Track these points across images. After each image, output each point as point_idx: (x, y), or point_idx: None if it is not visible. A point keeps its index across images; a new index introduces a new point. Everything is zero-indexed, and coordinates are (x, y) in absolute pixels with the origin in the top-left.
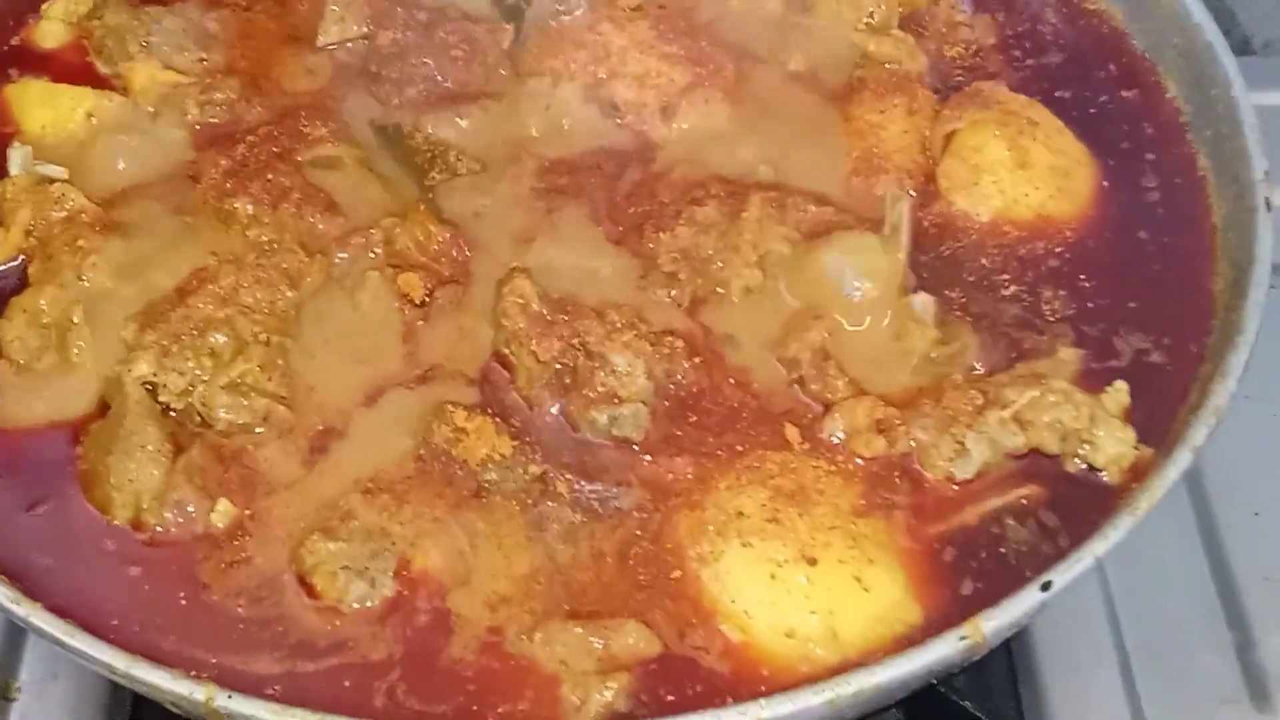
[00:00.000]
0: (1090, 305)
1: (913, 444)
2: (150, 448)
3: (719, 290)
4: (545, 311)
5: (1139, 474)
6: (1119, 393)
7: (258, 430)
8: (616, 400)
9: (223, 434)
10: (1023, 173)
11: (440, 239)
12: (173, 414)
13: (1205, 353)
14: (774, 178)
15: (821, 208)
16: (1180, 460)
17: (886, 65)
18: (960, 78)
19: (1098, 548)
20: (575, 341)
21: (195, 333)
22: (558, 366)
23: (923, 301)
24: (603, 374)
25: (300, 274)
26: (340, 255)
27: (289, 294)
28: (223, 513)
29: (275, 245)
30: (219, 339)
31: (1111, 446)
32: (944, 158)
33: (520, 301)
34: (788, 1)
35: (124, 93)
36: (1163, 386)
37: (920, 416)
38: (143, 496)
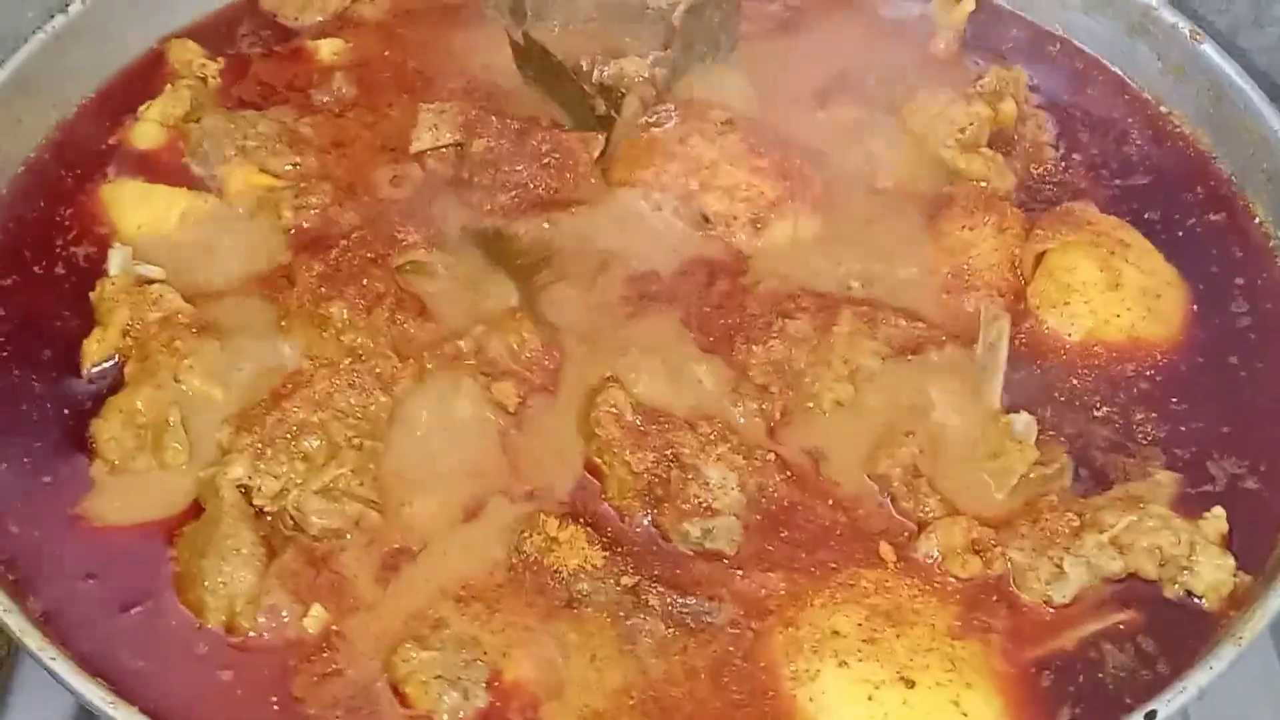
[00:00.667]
0: (1182, 429)
1: (1009, 565)
2: (244, 551)
3: (809, 404)
4: (638, 422)
5: (1237, 602)
6: (1217, 519)
7: (349, 536)
8: (709, 512)
9: (315, 538)
10: (1114, 294)
11: (534, 346)
12: (267, 517)
13: None
14: (864, 293)
15: (912, 323)
16: None
17: (976, 183)
18: (1048, 195)
19: (1201, 678)
20: (669, 453)
21: (289, 436)
22: (650, 478)
23: (1025, 422)
24: (695, 486)
25: (393, 379)
26: (432, 361)
27: (382, 399)
28: (316, 618)
29: (369, 349)
30: (313, 443)
31: (1211, 573)
32: (1035, 277)
33: (614, 411)
34: (877, 119)
35: (219, 195)
36: (1259, 513)
37: (1016, 538)
38: (236, 600)
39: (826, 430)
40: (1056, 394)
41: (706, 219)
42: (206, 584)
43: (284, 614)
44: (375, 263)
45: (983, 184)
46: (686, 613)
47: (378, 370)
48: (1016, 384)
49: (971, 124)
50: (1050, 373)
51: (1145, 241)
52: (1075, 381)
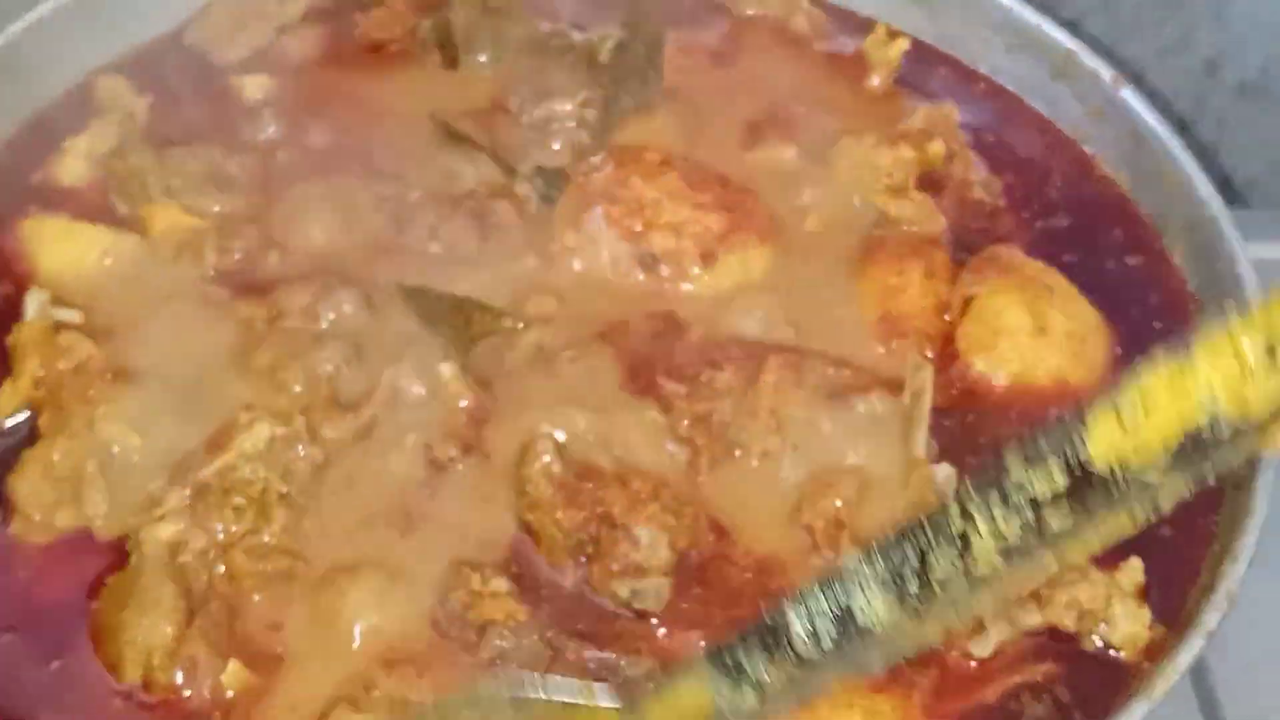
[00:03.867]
0: None
1: None
2: (165, 604)
3: (738, 454)
4: (570, 478)
5: (1153, 653)
6: (1134, 570)
7: (276, 592)
8: (639, 572)
9: (240, 594)
10: (1041, 339)
11: (466, 400)
12: (192, 571)
13: (1215, 530)
14: (794, 339)
15: (840, 370)
16: (1193, 644)
17: (905, 227)
18: (975, 236)
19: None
20: (599, 511)
21: (224, 491)
22: (581, 536)
23: (946, 474)
24: (626, 545)
25: (327, 433)
26: (368, 413)
27: (315, 453)
28: (234, 674)
29: (301, 401)
30: (245, 498)
31: (1127, 625)
32: (963, 321)
33: (544, 468)
34: (805, 161)
35: (143, 234)
36: (1174, 563)
37: None
38: (154, 653)
39: (754, 482)
40: (982, 439)
41: (655, 258)
42: (125, 637)
43: (201, 668)
44: (306, 312)
45: (912, 229)
46: (603, 666)
47: (311, 423)
48: (945, 430)
49: (899, 170)
50: (978, 418)
51: (1070, 286)
52: (1002, 426)
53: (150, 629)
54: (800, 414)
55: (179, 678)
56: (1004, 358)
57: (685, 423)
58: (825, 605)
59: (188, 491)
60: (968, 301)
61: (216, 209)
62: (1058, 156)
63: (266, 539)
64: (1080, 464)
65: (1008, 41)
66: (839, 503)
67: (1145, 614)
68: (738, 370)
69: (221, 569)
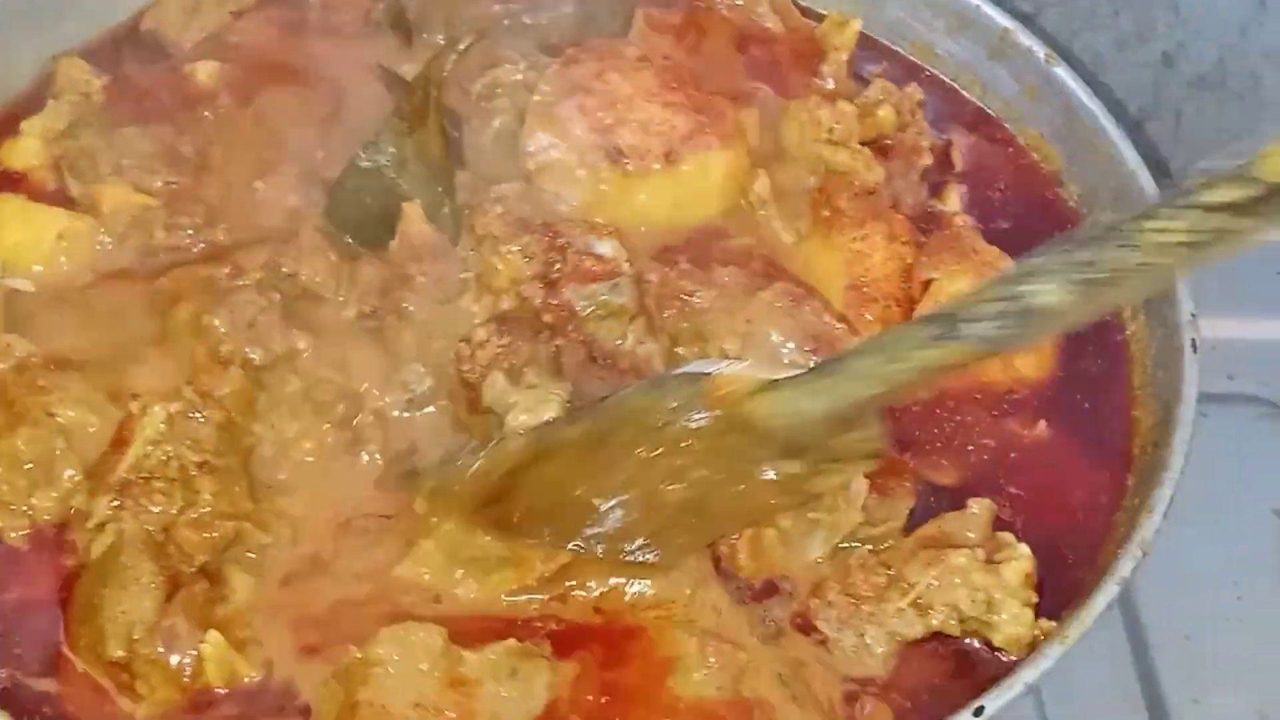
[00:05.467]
0: (1013, 458)
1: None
2: (144, 580)
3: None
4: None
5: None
6: (1021, 561)
7: (238, 556)
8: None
9: (207, 565)
10: None
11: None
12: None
13: (1132, 489)
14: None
15: (834, 326)
16: (1108, 591)
17: (846, 175)
18: (927, 214)
19: (1027, 675)
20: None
21: (142, 483)
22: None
23: (857, 486)
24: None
25: (221, 390)
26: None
27: (215, 414)
28: (213, 644)
29: (210, 368)
30: (163, 482)
31: (1010, 628)
32: (923, 300)
33: (495, 217)
34: (762, 127)
35: (94, 214)
36: (1094, 518)
37: (824, 606)
38: (135, 628)
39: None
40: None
41: (620, 152)
42: (106, 614)
43: (181, 639)
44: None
45: (853, 176)
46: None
47: (200, 386)
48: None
49: (839, 123)
50: (933, 398)
51: None
52: (951, 403)
53: (131, 605)
54: (774, 340)
55: (160, 649)
56: None
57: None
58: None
59: (112, 495)
60: (926, 283)
61: (165, 186)
62: (996, 137)
63: (204, 510)
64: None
65: (948, 24)
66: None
67: (1028, 614)
68: (741, 274)
69: (177, 547)
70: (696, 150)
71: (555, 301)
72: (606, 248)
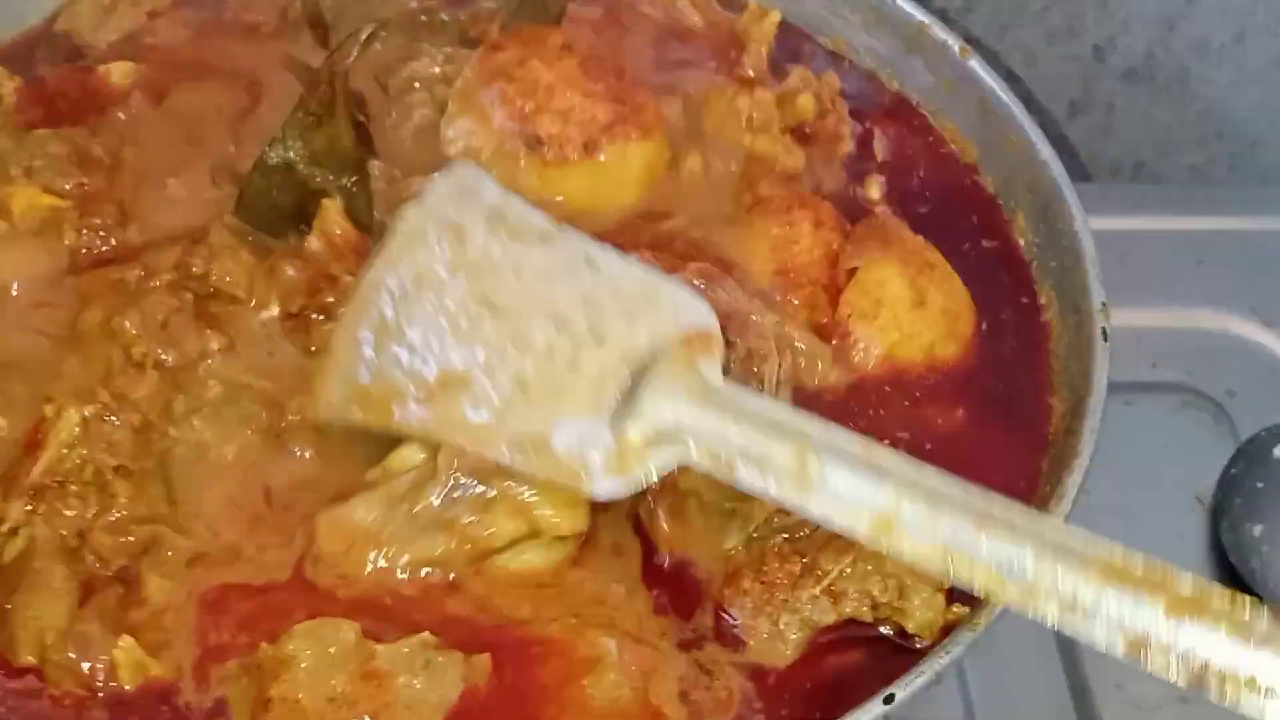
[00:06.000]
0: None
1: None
2: (55, 585)
3: None
4: None
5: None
6: None
7: (153, 559)
8: None
9: (123, 570)
10: (919, 312)
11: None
12: (83, 554)
13: (1047, 473)
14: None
15: (750, 301)
16: None
17: (766, 161)
18: (848, 201)
19: (937, 663)
20: None
21: (57, 487)
22: None
23: None
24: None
25: (136, 393)
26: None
27: (131, 418)
28: (126, 650)
29: (125, 370)
30: (77, 486)
31: (921, 614)
32: (848, 287)
33: None
34: (684, 120)
35: (4, 216)
36: None
37: (739, 594)
38: (46, 634)
39: None
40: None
41: (539, 140)
42: (17, 619)
43: (95, 646)
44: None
45: (771, 162)
46: None
47: (115, 388)
48: (812, 397)
49: (755, 112)
50: (853, 386)
51: (946, 263)
52: (867, 394)
53: (42, 610)
54: None
55: (71, 655)
56: (883, 327)
57: None
58: None
59: (24, 499)
60: (851, 272)
61: (76, 187)
62: (914, 129)
63: (119, 514)
64: None
65: (865, 18)
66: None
67: (939, 601)
68: (657, 257)
69: (93, 551)
70: (615, 141)
71: None
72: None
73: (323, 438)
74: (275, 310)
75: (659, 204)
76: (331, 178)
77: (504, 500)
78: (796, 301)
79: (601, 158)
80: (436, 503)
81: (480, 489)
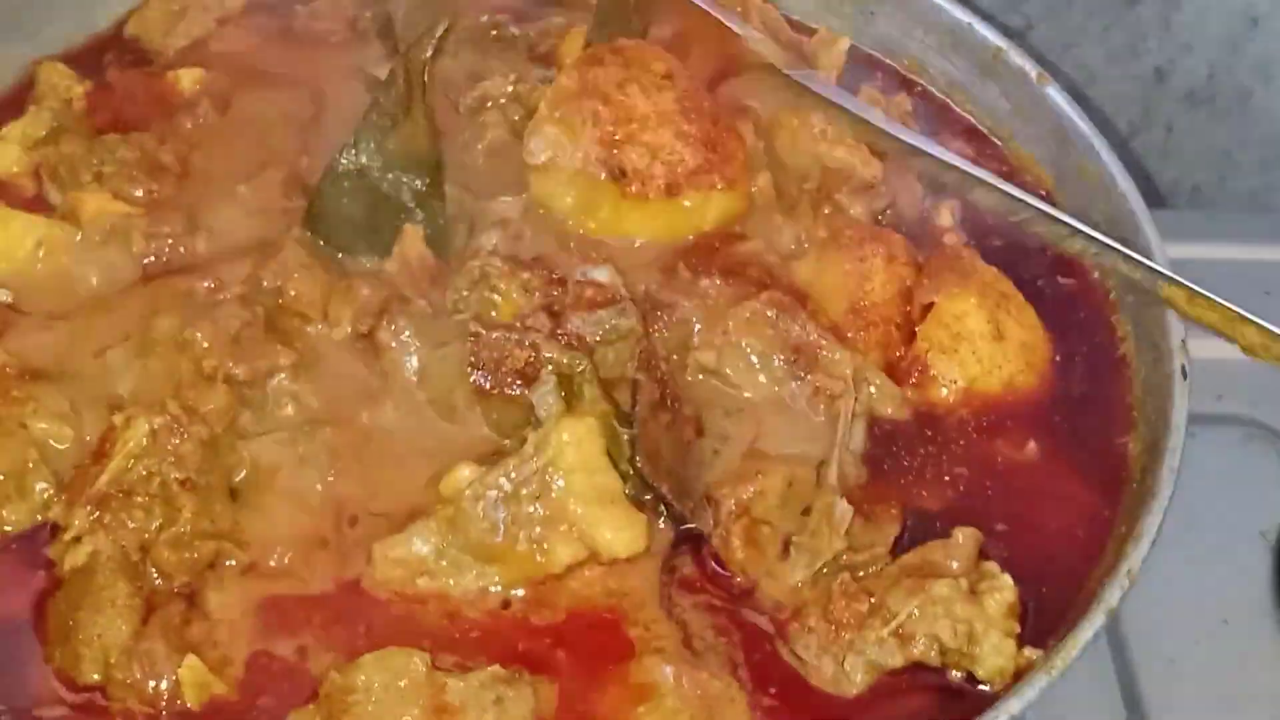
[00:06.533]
0: (1013, 475)
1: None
2: (120, 602)
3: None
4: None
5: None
6: (1004, 592)
7: (216, 577)
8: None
9: (186, 586)
10: (998, 345)
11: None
12: (148, 570)
13: (1120, 515)
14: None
15: (819, 337)
16: (1095, 620)
17: (842, 171)
18: (920, 231)
19: (1012, 706)
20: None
21: (122, 497)
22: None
23: (842, 511)
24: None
25: (205, 406)
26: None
27: (199, 430)
28: (191, 669)
29: (196, 382)
30: (143, 498)
31: (992, 660)
32: (926, 321)
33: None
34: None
35: (74, 222)
36: (1079, 544)
37: (804, 632)
38: (111, 651)
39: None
40: (932, 446)
41: (623, 172)
42: (81, 637)
43: (160, 665)
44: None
45: (849, 171)
46: None
47: (185, 401)
48: (888, 435)
49: (830, 125)
50: (925, 420)
51: (1019, 294)
52: (939, 424)
53: (106, 627)
54: (751, 352)
55: (137, 673)
56: (963, 361)
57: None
58: None
59: (90, 508)
60: (927, 306)
61: (145, 194)
62: (987, 155)
63: (183, 529)
64: None
65: (940, 41)
66: (754, 493)
67: (1009, 646)
68: (731, 283)
69: (155, 567)
70: (699, 188)
71: (563, 331)
72: (602, 274)
73: (387, 457)
74: (348, 329)
75: (745, 221)
76: (405, 179)
77: (560, 523)
78: (870, 339)
79: (683, 203)
80: (491, 529)
81: (538, 510)
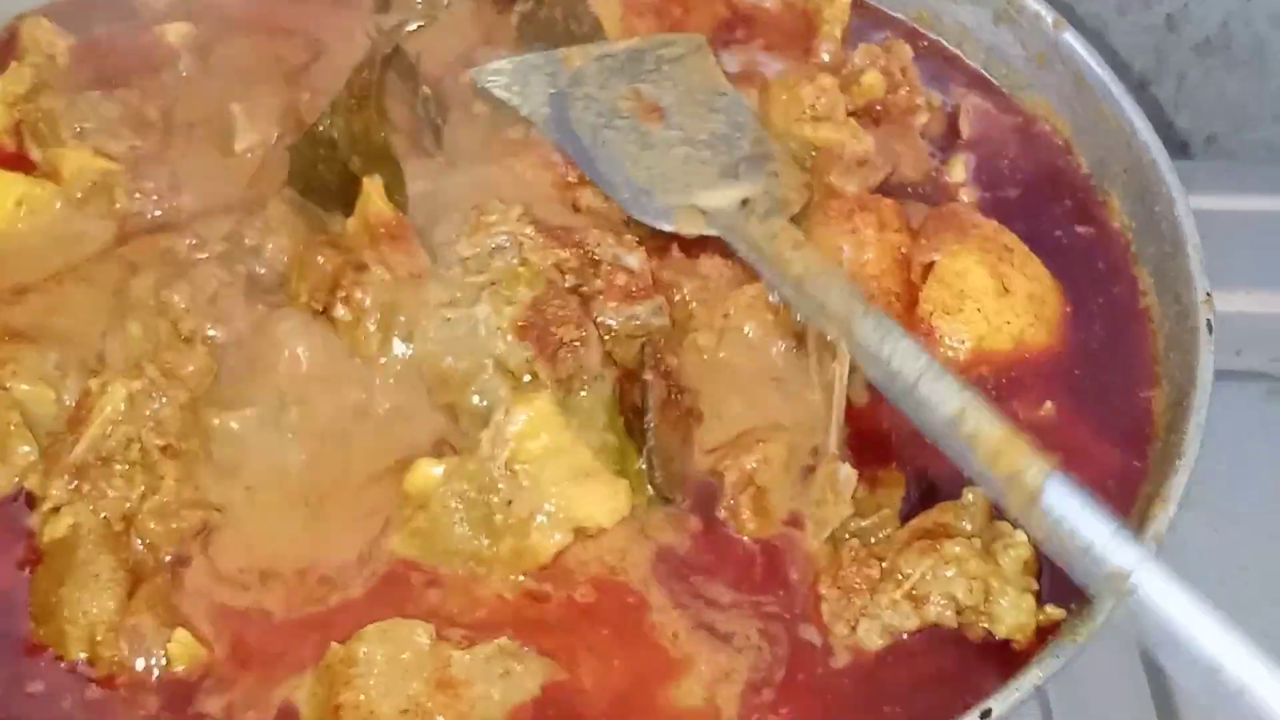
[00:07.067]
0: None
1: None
2: (103, 576)
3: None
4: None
5: (1046, 634)
6: (1019, 548)
7: (201, 548)
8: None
9: (171, 558)
10: (1005, 300)
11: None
12: (133, 540)
13: (1146, 472)
14: None
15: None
16: None
17: (833, 150)
18: (923, 189)
19: (1036, 675)
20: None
21: (101, 465)
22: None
23: (845, 475)
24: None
25: (185, 368)
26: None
27: (178, 394)
28: (180, 643)
29: (174, 344)
30: (123, 465)
31: (1011, 616)
32: (927, 283)
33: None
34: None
35: (55, 179)
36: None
37: (816, 600)
38: (97, 628)
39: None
40: None
41: None
42: (65, 613)
43: (146, 639)
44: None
45: (840, 149)
46: None
47: (163, 365)
48: None
49: (821, 97)
50: None
51: (1023, 246)
52: None
53: (91, 603)
54: (751, 335)
55: (124, 649)
56: (969, 320)
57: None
58: None
59: (67, 477)
60: (928, 266)
61: (129, 150)
62: (1000, 104)
63: (166, 497)
64: None
65: None
66: (756, 463)
67: (1029, 601)
68: (730, 264)
69: (139, 536)
70: None
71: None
72: (634, 260)
73: (367, 426)
74: (305, 300)
75: None
76: (364, 166)
77: (539, 515)
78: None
79: None
80: (470, 537)
81: (512, 513)
